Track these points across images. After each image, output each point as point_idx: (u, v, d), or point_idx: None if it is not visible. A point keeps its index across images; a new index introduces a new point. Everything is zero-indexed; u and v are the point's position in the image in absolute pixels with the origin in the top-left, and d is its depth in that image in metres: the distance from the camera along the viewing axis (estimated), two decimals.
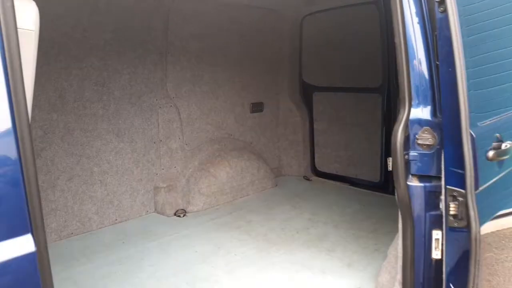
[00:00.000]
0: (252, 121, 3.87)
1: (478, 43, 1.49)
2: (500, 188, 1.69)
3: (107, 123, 2.88)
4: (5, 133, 0.68)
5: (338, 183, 3.81)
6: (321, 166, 3.99)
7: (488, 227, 1.90)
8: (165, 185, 3.15)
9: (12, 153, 0.69)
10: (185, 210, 3.16)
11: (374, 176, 3.51)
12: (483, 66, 1.51)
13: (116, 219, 2.96)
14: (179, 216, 3.11)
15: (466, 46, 1.37)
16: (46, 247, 0.82)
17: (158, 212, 3.16)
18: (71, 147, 2.71)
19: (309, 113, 4.04)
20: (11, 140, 0.67)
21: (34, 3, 0.87)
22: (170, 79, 3.19)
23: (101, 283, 2.15)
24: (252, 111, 3.86)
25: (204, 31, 3.28)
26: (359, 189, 3.63)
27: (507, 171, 1.61)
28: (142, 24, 2.94)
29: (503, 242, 2.06)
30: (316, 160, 4.04)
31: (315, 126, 4.02)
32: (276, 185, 3.81)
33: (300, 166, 4.09)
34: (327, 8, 3.59)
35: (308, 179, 4.01)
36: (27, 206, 0.62)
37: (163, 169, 3.21)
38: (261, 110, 3.93)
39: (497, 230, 1.95)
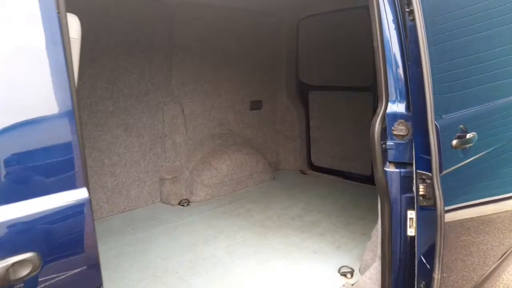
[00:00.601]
0: (251, 118, 4.09)
1: (443, 51, 1.71)
2: (473, 174, 1.92)
3: (116, 119, 3.11)
4: (66, 115, 0.86)
5: (332, 177, 4.03)
6: (317, 161, 4.22)
7: (468, 213, 2.13)
8: (170, 177, 3.38)
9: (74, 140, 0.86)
10: (188, 200, 3.39)
11: (366, 170, 3.73)
12: (448, 72, 1.74)
13: (124, 208, 3.19)
14: (183, 205, 3.34)
15: (433, 53, 1.60)
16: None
17: (163, 202, 3.40)
18: (84, 140, 2.94)
19: (305, 111, 4.26)
20: (72, 122, 0.86)
21: (76, 17, 1.10)
22: (174, 78, 3.41)
23: (114, 261, 2.39)
24: (251, 109, 4.08)
25: (206, 34, 3.50)
26: (351, 182, 3.85)
27: (473, 158, 1.83)
28: (149, 28, 3.16)
29: (481, 227, 2.30)
30: (311, 155, 4.26)
31: (311, 123, 4.24)
32: (274, 178, 4.04)
33: (296, 161, 4.32)
34: (322, 12, 3.81)
35: (304, 173, 4.24)
36: (85, 165, 0.82)
37: (168, 162, 3.44)
38: (259, 108, 4.15)
39: (477, 216, 2.18)
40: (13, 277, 0.69)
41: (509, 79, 2.15)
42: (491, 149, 1.99)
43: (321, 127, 4.15)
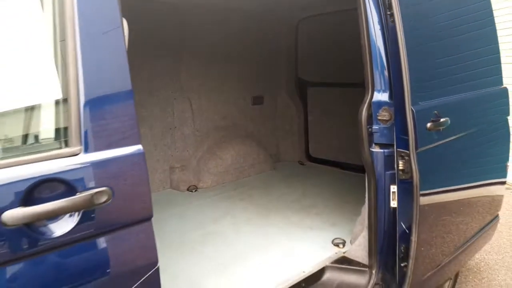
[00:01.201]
0: (253, 113, 4.39)
1: (420, 47, 2.00)
2: (453, 160, 2.21)
3: None
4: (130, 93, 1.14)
5: (329, 167, 4.32)
6: (314, 153, 4.52)
7: (452, 196, 2.43)
8: (179, 165, 3.67)
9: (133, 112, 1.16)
10: (196, 186, 3.69)
11: (361, 160, 4.02)
12: (424, 65, 2.03)
13: None
14: (191, 191, 3.64)
15: (410, 50, 1.89)
16: None
17: (173, 188, 3.69)
18: None
19: (304, 106, 4.55)
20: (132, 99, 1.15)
21: (125, 20, 1.39)
22: (183, 75, 3.71)
23: None
24: (253, 104, 4.38)
25: (212, 35, 3.79)
26: (347, 171, 4.14)
27: (448, 139, 2.13)
28: (161, 29, 3.45)
29: (461, 208, 2.59)
30: (310, 147, 4.55)
31: (309, 117, 4.53)
32: (274, 169, 4.33)
33: (295, 153, 4.61)
34: (320, 13, 4.10)
35: (302, 164, 4.54)
36: (139, 131, 1.10)
37: (177, 151, 3.74)
38: (261, 103, 4.44)
39: (459, 199, 2.48)
40: (96, 201, 0.97)
41: (476, 76, 2.47)
42: (464, 133, 2.29)
43: (318, 121, 4.45)
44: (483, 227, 2.75)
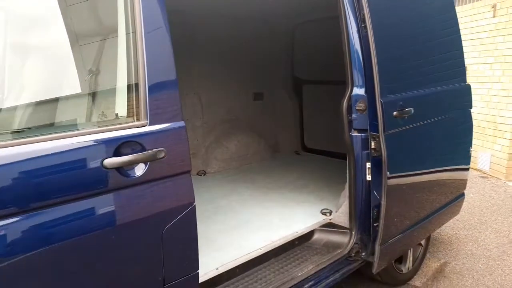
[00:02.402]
0: (254, 107, 4.90)
1: (388, 52, 2.52)
2: (421, 147, 2.71)
3: None
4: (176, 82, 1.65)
5: (321, 156, 4.84)
6: (309, 143, 5.03)
7: (427, 177, 2.94)
8: (190, 153, 4.19)
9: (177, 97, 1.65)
10: (205, 171, 4.22)
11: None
12: (392, 70, 2.55)
13: None
14: (200, 175, 4.16)
15: (380, 53, 2.41)
16: None
17: None
18: None
19: (299, 102, 5.05)
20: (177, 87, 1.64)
21: None
22: (195, 74, 4.22)
23: None
24: (254, 99, 4.89)
25: (219, 38, 4.30)
26: (337, 159, 4.65)
27: (412, 125, 2.64)
28: (174, 34, 3.95)
29: (435, 188, 3.11)
30: (304, 138, 5.07)
31: (304, 112, 5.03)
32: (273, 157, 4.86)
33: (291, 144, 5.12)
34: (314, 19, 4.61)
35: (298, 154, 5.06)
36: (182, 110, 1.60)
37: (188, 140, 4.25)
38: (261, 99, 4.95)
39: (433, 180, 2.99)
40: (157, 156, 1.49)
41: (440, 75, 2.99)
42: (428, 121, 2.81)
43: (312, 115, 4.96)
44: (448, 203, 3.26)
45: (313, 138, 4.99)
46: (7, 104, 1.39)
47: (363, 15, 2.41)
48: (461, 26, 6.66)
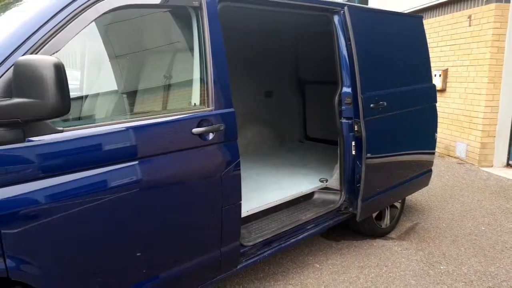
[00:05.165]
0: (266, 103, 5.88)
1: (366, 61, 3.50)
2: (387, 128, 3.71)
3: None
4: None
5: (321, 144, 5.84)
6: (310, 133, 6.03)
7: (398, 153, 3.94)
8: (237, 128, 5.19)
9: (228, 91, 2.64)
10: None
11: None
12: (370, 74, 3.54)
13: None
14: None
15: (361, 62, 3.41)
16: None
17: None
18: None
19: (303, 99, 6.05)
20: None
21: None
22: None
23: None
24: (265, 97, 5.89)
25: (237, 47, 5.28)
26: (334, 146, 5.63)
27: (385, 114, 3.64)
28: None
29: (404, 162, 4.09)
30: (307, 129, 6.07)
31: (306, 108, 6.04)
32: (280, 145, 5.87)
33: (296, 134, 6.10)
34: (314, 31, 5.58)
35: (301, 142, 6.06)
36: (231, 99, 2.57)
37: None
38: (271, 96, 5.95)
39: (402, 155, 3.98)
40: (220, 129, 2.48)
41: (409, 78, 3.99)
42: (398, 111, 3.80)
43: (313, 110, 5.96)
44: (417, 176, 4.26)
45: (313, 129, 5.99)
46: (135, 97, 2.40)
47: (349, 35, 3.41)
48: (443, 33, 7.74)
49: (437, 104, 7.53)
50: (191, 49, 2.58)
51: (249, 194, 3.68)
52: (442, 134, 7.58)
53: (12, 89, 1.70)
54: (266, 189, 3.85)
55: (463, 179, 6.09)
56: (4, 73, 1.75)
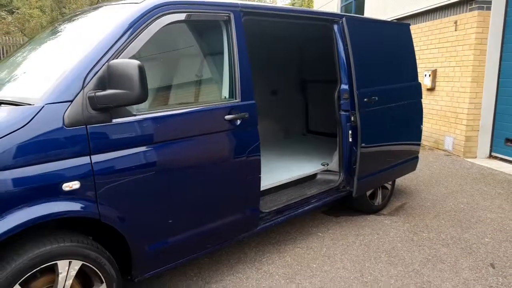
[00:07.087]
0: (272, 100, 6.57)
1: (361, 63, 4.19)
2: (380, 118, 4.41)
3: None
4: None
5: (322, 136, 6.52)
6: (312, 127, 6.72)
7: (388, 140, 4.63)
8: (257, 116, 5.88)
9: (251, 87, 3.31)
10: None
11: None
12: (364, 73, 4.23)
13: None
14: None
15: (356, 63, 4.10)
16: None
17: None
18: None
19: (304, 97, 6.73)
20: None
21: None
22: None
23: None
24: (272, 95, 6.57)
25: (252, 51, 5.95)
26: (333, 138, 6.33)
27: (378, 107, 4.33)
28: None
29: (394, 148, 4.78)
30: (309, 123, 6.76)
31: (308, 105, 6.73)
32: (285, 137, 6.55)
33: (299, 127, 6.76)
34: (316, 38, 6.26)
35: (304, 135, 6.75)
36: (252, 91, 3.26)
37: None
38: (277, 94, 6.64)
39: (392, 142, 4.68)
40: (245, 116, 3.14)
41: (398, 77, 4.69)
42: (388, 105, 4.50)
43: (314, 106, 6.65)
44: (405, 161, 4.96)
45: (315, 123, 6.68)
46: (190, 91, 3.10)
47: (346, 41, 4.10)
48: (432, 36, 8.46)
49: (427, 102, 8.35)
50: (222, 53, 3.26)
51: (262, 175, 4.35)
52: (432, 129, 8.29)
53: (106, 83, 2.38)
54: (276, 172, 4.53)
55: (449, 168, 6.80)
56: (98, 71, 2.43)
